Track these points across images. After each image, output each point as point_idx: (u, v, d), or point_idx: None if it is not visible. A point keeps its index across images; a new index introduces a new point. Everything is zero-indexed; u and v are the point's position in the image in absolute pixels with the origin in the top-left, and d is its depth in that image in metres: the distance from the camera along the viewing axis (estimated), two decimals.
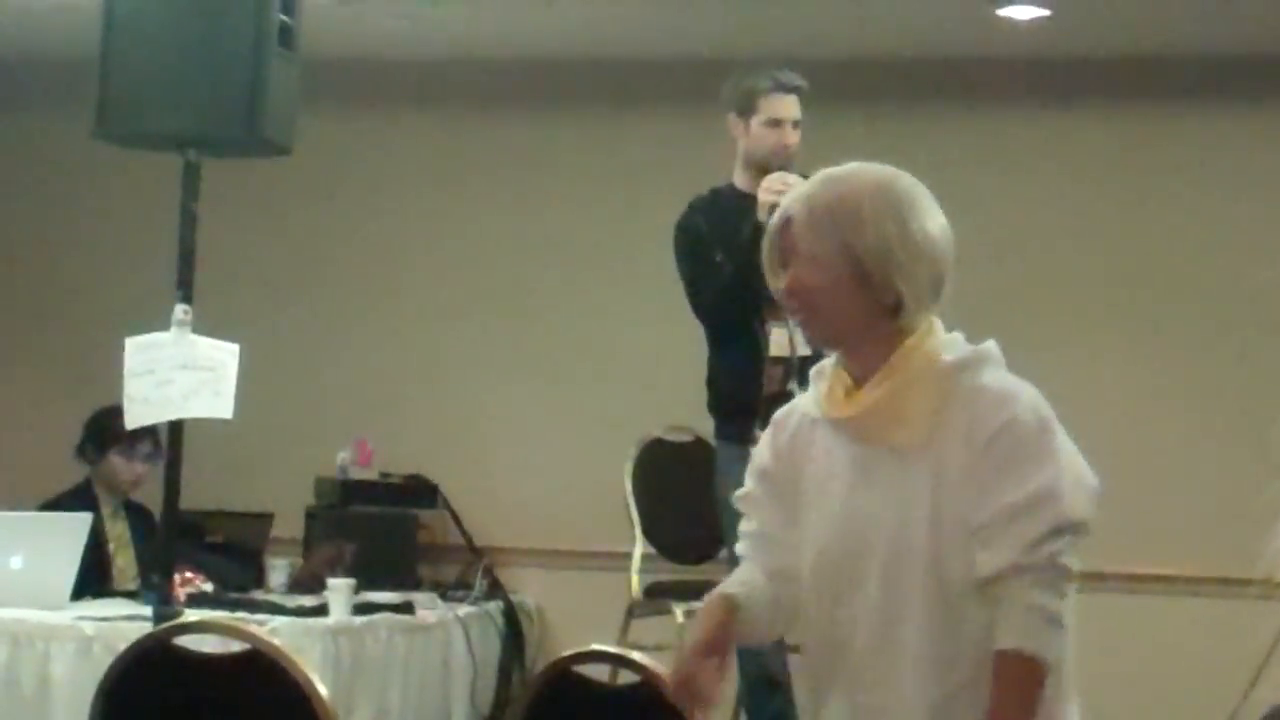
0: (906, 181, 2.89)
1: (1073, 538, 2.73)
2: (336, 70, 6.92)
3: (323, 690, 3.33)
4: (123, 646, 3.67)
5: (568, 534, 7.37)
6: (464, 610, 6.72)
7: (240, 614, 5.45)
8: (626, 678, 3.14)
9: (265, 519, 6.83)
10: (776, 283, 2.88)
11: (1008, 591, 2.69)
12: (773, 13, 6.65)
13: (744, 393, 5.25)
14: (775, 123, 5.49)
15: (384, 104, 7.80)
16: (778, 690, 5.27)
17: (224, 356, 4.92)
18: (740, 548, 3.00)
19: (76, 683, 4.92)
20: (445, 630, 6.54)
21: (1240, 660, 6.64)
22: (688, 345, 5.71)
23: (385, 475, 7.31)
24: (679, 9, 6.76)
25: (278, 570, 6.36)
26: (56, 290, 7.98)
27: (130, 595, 5.95)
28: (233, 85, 4.73)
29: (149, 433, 5.99)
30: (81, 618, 5.26)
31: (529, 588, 7.37)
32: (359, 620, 5.90)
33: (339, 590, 5.83)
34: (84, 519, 5.70)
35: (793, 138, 5.49)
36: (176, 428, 4.92)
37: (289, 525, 6.99)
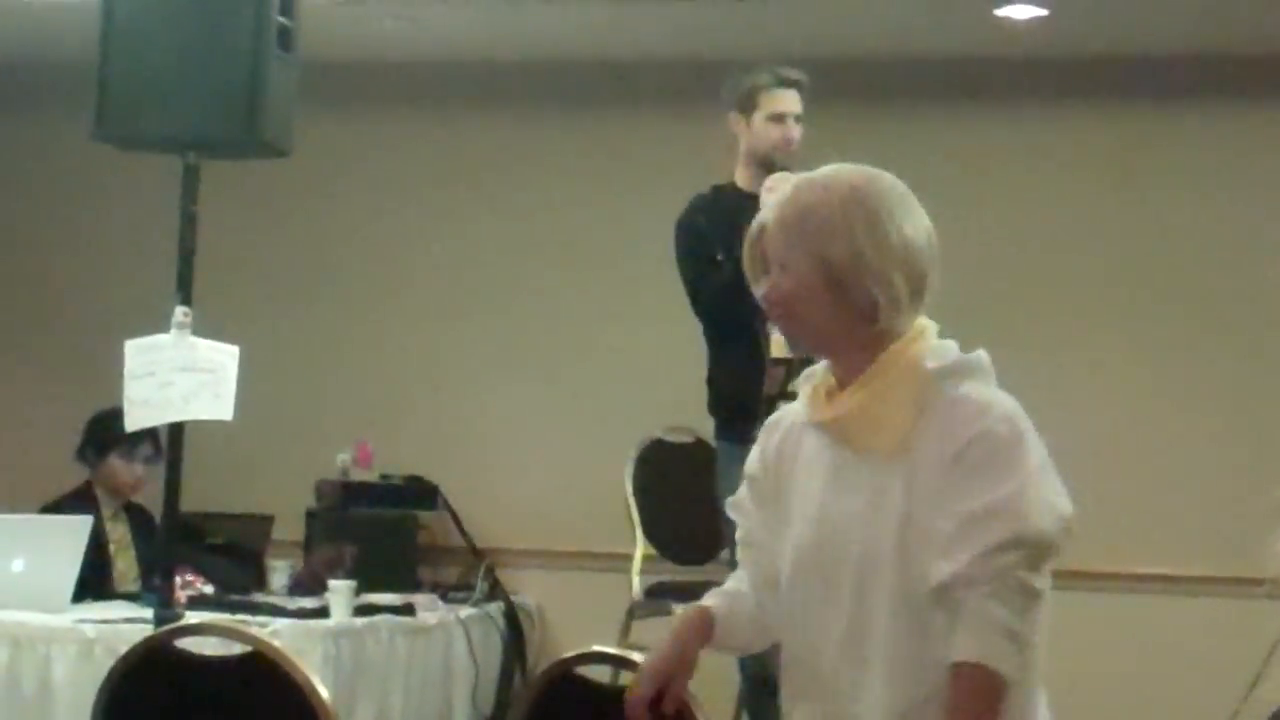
0: (884, 184, 2.87)
1: (1033, 554, 2.71)
2: (336, 72, 6.93)
3: (324, 692, 3.32)
4: (124, 649, 3.66)
5: (568, 535, 7.37)
6: (465, 612, 6.72)
7: (241, 616, 5.46)
8: (627, 679, 3.13)
9: (266, 521, 6.83)
10: (758, 290, 2.88)
11: (963, 603, 2.67)
12: (772, 13, 6.65)
13: (744, 393, 5.25)
14: (778, 117, 5.50)
15: (383, 105, 7.80)
16: (778, 691, 5.27)
17: (224, 358, 4.93)
18: (737, 554, 3.02)
19: (78, 685, 4.92)
20: (446, 632, 6.54)
21: (1241, 660, 6.63)
22: (688, 345, 5.71)
23: (386, 477, 7.31)
24: (679, 9, 6.76)
25: (278, 572, 6.36)
26: (56, 292, 7.98)
27: (131, 598, 5.96)
28: (232, 87, 4.73)
29: (149, 435, 6.00)
30: (82, 620, 5.26)
31: (530, 589, 7.37)
32: (360, 622, 5.90)
33: (340, 592, 5.83)
34: (84, 521, 5.70)
35: (795, 132, 5.50)
36: (177, 430, 4.92)
37: (289, 527, 6.99)
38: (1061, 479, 2.93)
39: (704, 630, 2.93)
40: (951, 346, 2.85)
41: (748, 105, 5.53)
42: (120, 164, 6.07)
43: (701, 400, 5.61)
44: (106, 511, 6.38)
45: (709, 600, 2.96)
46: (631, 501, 6.81)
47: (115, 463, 6.37)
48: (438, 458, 7.37)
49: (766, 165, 5.43)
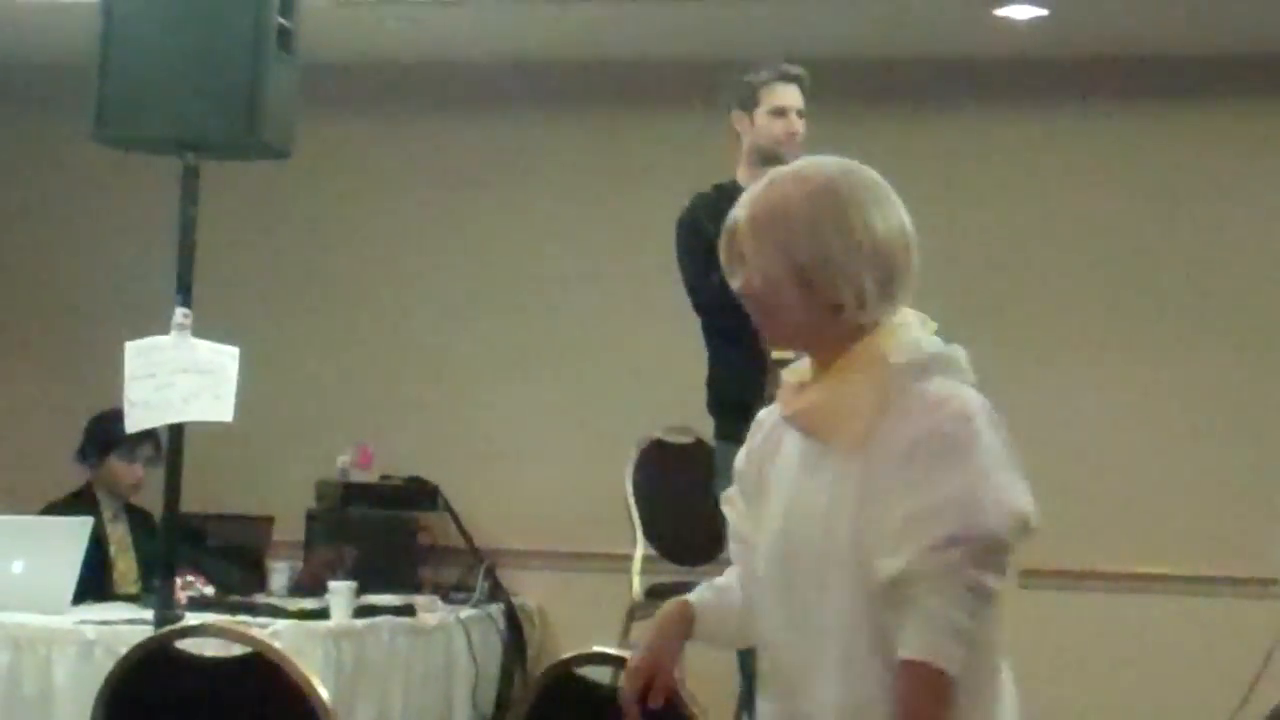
0: (856, 179, 2.85)
1: (981, 552, 2.66)
2: (336, 73, 6.93)
3: (324, 693, 3.33)
4: (124, 650, 3.67)
5: (569, 536, 7.37)
6: (465, 612, 6.72)
7: (241, 617, 5.46)
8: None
9: (266, 522, 6.83)
10: (733, 285, 2.89)
11: (910, 600, 2.66)
12: (771, 13, 6.65)
13: (744, 393, 5.24)
14: (780, 111, 5.50)
15: (383, 106, 7.80)
16: None
17: (224, 360, 4.93)
18: (729, 549, 3.03)
19: (78, 687, 4.92)
20: (446, 632, 6.54)
21: (1241, 659, 6.62)
22: (688, 345, 5.71)
23: (386, 478, 7.31)
24: (678, 10, 6.76)
25: (279, 573, 6.36)
26: (56, 293, 7.98)
27: (131, 599, 5.96)
28: (232, 88, 4.73)
29: (149, 436, 5.99)
30: (83, 622, 5.26)
31: (530, 589, 7.37)
32: (360, 623, 5.90)
33: (340, 593, 5.83)
34: (85, 523, 5.69)
35: (799, 126, 5.50)
36: (177, 431, 4.92)
37: (290, 528, 6.99)
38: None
39: (684, 624, 2.94)
40: (926, 341, 2.84)
41: (749, 102, 5.54)
42: (120, 165, 6.07)
43: (701, 400, 5.61)
44: (107, 513, 6.38)
45: (693, 594, 2.97)
46: (631, 502, 6.81)
47: (115, 464, 6.37)
48: (438, 458, 7.37)
49: (771, 161, 5.44)
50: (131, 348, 4.87)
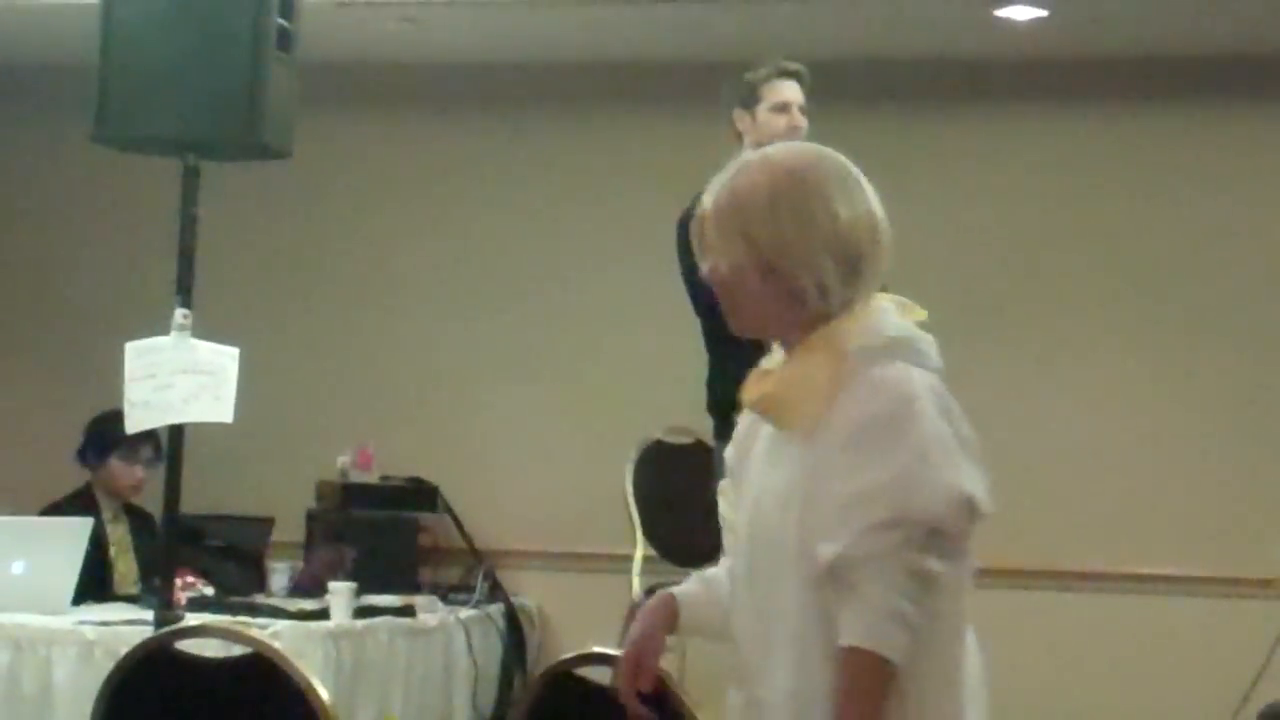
0: (822, 166, 2.83)
1: (918, 535, 2.63)
2: (336, 74, 6.92)
3: (324, 693, 3.33)
4: (124, 651, 3.66)
5: (568, 536, 7.37)
6: (465, 613, 6.72)
7: (241, 618, 5.46)
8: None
9: (266, 523, 6.83)
10: (701, 271, 2.89)
11: (849, 584, 2.64)
12: (772, 14, 6.65)
13: None
14: (782, 107, 5.51)
15: (383, 107, 7.80)
16: None
17: (224, 360, 4.93)
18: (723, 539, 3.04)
19: (78, 687, 4.92)
20: (446, 633, 6.54)
21: (1241, 660, 6.62)
22: (688, 347, 5.71)
23: (386, 478, 7.30)
24: (679, 10, 6.76)
25: (279, 574, 6.36)
26: (56, 294, 7.98)
27: (131, 599, 5.96)
28: (231, 89, 4.73)
29: (149, 437, 6.00)
30: (83, 622, 5.26)
31: (530, 590, 7.37)
32: (360, 623, 5.90)
33: (340, 594, 5.83)
34: (85, 524, 5.70)
35: (801, 120, 5.51)
36: (177, 432, 4.92)
37: (290, 529, 6.99)
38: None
39: (668, 615, 2.93)
40: (890, 325, 2.80)
41: (750, 100, 5.54)
42: (120, 165, 6.08)
43: (701, 400, 5.61)
44: (107, 513, 6.38)
45: (680, 585, 2.98)
46: (631, 503, 6.81)
47: (116, 465, 6.38)
48: (438, 459, 7.37)
49: None
50: (131, 348, 4.88)
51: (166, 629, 4.01)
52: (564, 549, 7.37)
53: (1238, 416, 7.04)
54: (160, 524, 5.14)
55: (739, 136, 5.57)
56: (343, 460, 7.23)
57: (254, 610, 5.72)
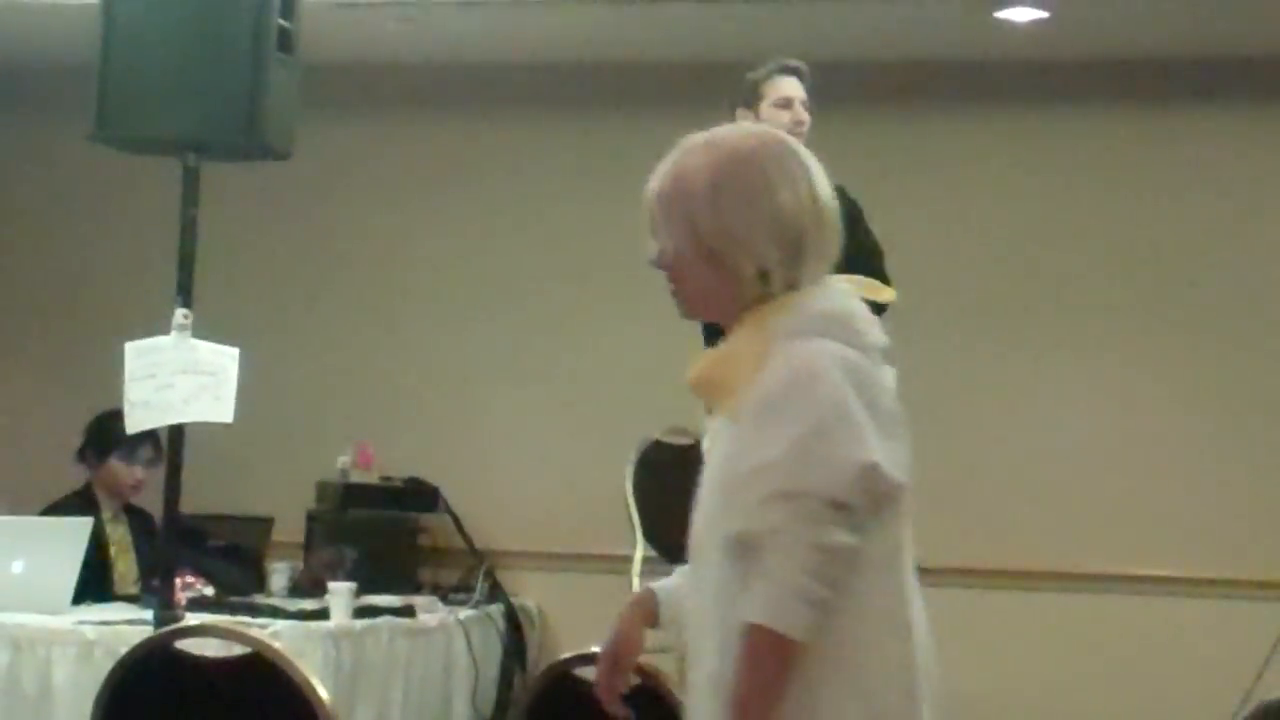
0: (766, 149, 2.82)
1: (814, 508, 2.57)
2: (336, 74, 6.93)
3: (324, 693, 3.33)
4: (124, 650, 3.67)
5: (568, 537, 7.37)
6: (465, 613, 6.72)
7: (241, 618, 5.45)
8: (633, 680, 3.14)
9: (266, 523, 6.83)
10: (649, 257, 2.90)
11: (753, 561, 2.60)
12: (772, 15, 6.65)
13: None
14: (785, 102, 5.51)
15: (383, 108, 7.80)
16: None
17: (224, 361, 4.93)
18: None
19: (78, 687, 4.92)
20: (446, 633, 6.54)
21: (1241, 661, 6.61)
22: (688, 347, 5.70)
23: (386, 479, 7.30)
24: (679, 11, 6.76)
25: (279, 574, 6.36)
26: (56, 294, 7.98)
27: (131, 599, 5.96)
28: (232, 89, 4.73)
29: (150, 437, 5.99)
30: (83, 622, 5.26)
31: (530, 590, 7.37)
32: (360, 624, 5.90)
33: (340, 594, 5.83)
34: (85, 523, 5.70)
35: (804, 115, 5.51)
36: (177, 432, 4.92)
37: (290, 529, 6.99)
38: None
39: (645, 612, 2.93)
40: (826, 305, 2.76)
41: (752, 98, 5.55)
42: (120, 166, 6.08)
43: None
44: (107, 513, 6.38)
45: (660, 581, 2.97)
46: (631, 503, 6.80)
47: (116, 465, 6.37)
48: (438, 460, 7.37)
49: None
50: (132, 348, 4.88)
51: (166, 629, 4.01)
52: (564, 549, 7.37)
53: (1238, 417, 7.04)
54: (160, 524, 5.14)
55: None
56: (343, 460, 7.22)
57: (254, 610, 5.72)
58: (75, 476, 6.49)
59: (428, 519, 7.30)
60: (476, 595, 6.94)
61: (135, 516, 6.49)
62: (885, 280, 5.63)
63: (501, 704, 6.75)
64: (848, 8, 6.62)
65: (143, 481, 6.37)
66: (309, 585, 6.29)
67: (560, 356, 7.55)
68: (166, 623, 4.52)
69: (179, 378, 4.84)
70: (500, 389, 7.58)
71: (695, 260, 2.79)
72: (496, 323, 7.62)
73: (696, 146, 2.85)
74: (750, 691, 2.59)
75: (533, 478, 7.49)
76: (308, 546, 6.99)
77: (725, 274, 2.77)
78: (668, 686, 3.09)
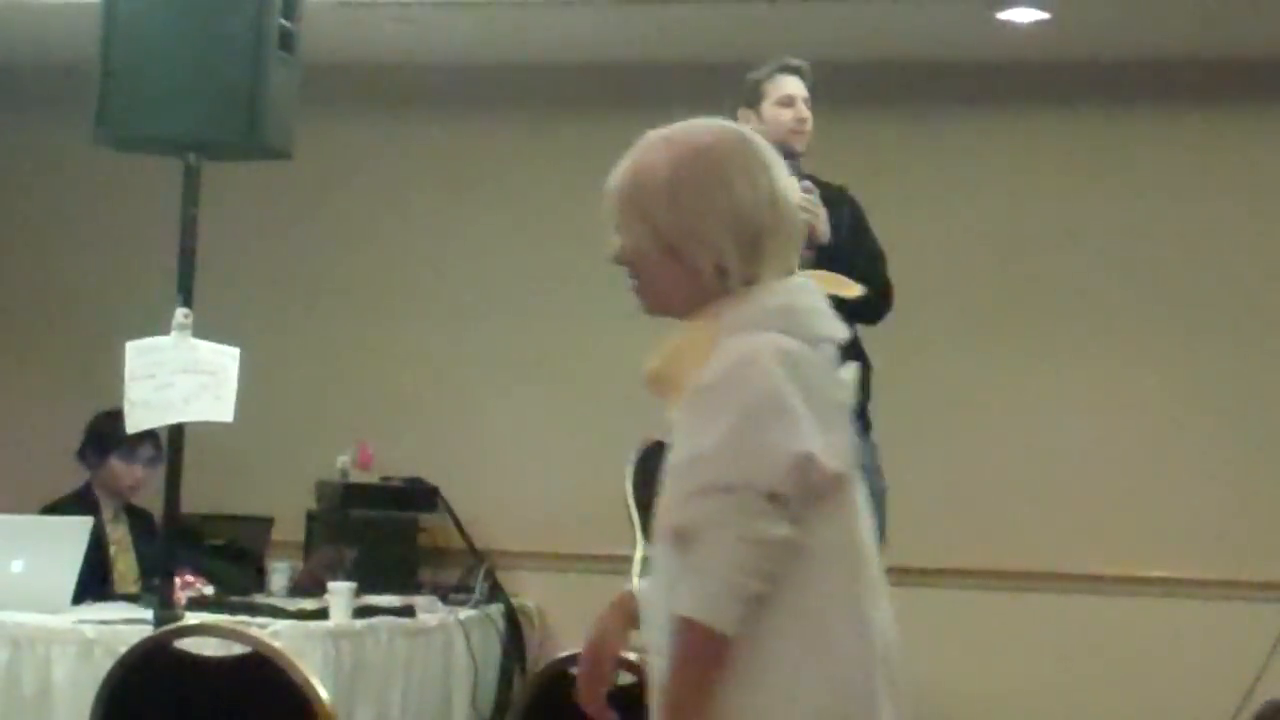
0: (724, 144, 2.80)
1: (743, 500, 2.54)
2: (337, 74, 6.93)
3: (323, 693, 3.33)
4: (124, 650, 3.68)
5: (568, 537, 7.37)
6: (465, 613, 6.72)
7: (241, 617, 5.45)
8: (626, 679, 3.14)
9: (266, 522, 6.83)
10: (609, 253, 2.89)
11: (686, 553, 2.58)
12: (773, 17, 6.65)
13: None
14: (787, 100, 5.52)
15: (384, 108, 7.80)
16: None
17: (225, 360, 4.93)
18: None
19: (77, 686, 4.92)
20: (446, 633, 6.54)
21: (1240, 662, 6.61)
22: None
23: (386, 479, 7.30)
24: (681, 13, 6.76)
25: (278, 573, 6.36)
26: (57, 293, 7.98)
27: (131, 599, 5.96)
28: (233, 89, 4.73)
29: (150, 436, 6.00)
30: (82, 621, 5.26)
31: (530, 590, 7.37)
32: (360, 623, 5.90)
33: (340, 593, 5.83)
34: (85, 523, 5.70)
35: (807, 113, 5.51)
36: (177, 431, 4.92)
37: (289, 529, 6.99)
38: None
39: (623, 615, 2.91)
40: (776, 298, 2.73)
41: (754, 98, 5.56)
42: (121, 165, 6.08)
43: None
44: (107, 513, 6.38)
45: (642, 580, 2.97)
46: (631, 503, 6.80)
47: (116, 464, 6.38)
48: (438, 459, 7.37)
49: (784, 154, 5.45)
50: (132, 348, 4.88)
51: (166, 628, 4.02)
52: (564, 549, 7.37)
53: (1238, 418, 7.04)
54: (160, 523, 5.14)
55: None
56: (343, 460, 7.22)
57: (253, 610, 5.72)
58: (75, 476, 6.49)
59: (428, 519, 7.30)
60: (476, 595, 6.94)
61: (135, 516, 6.49)
62: (886, 283, 5.62)
63: (501, 704, 6.75)
64: (848, 8, 6.62)
65: (143, 481, 6.37)
66: (309, 585, 6.29)
67: (560, 356, 7.55)
68: (166, 622, 4.53)
69: (179, 377, 4.84)
70: (500, 389, 7.58)
71: (654, 256, 2.78)
72: (496, 323, 7.62)
73: (656, 142, 2.84)
74: (681, 686, 2.58)
75: (533, 477, 7.49)
76: (308, 546, 6.99)
77: (683, 270, 2.76)
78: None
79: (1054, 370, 7.19)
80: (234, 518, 6.75)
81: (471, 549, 7.20)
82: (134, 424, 4.93)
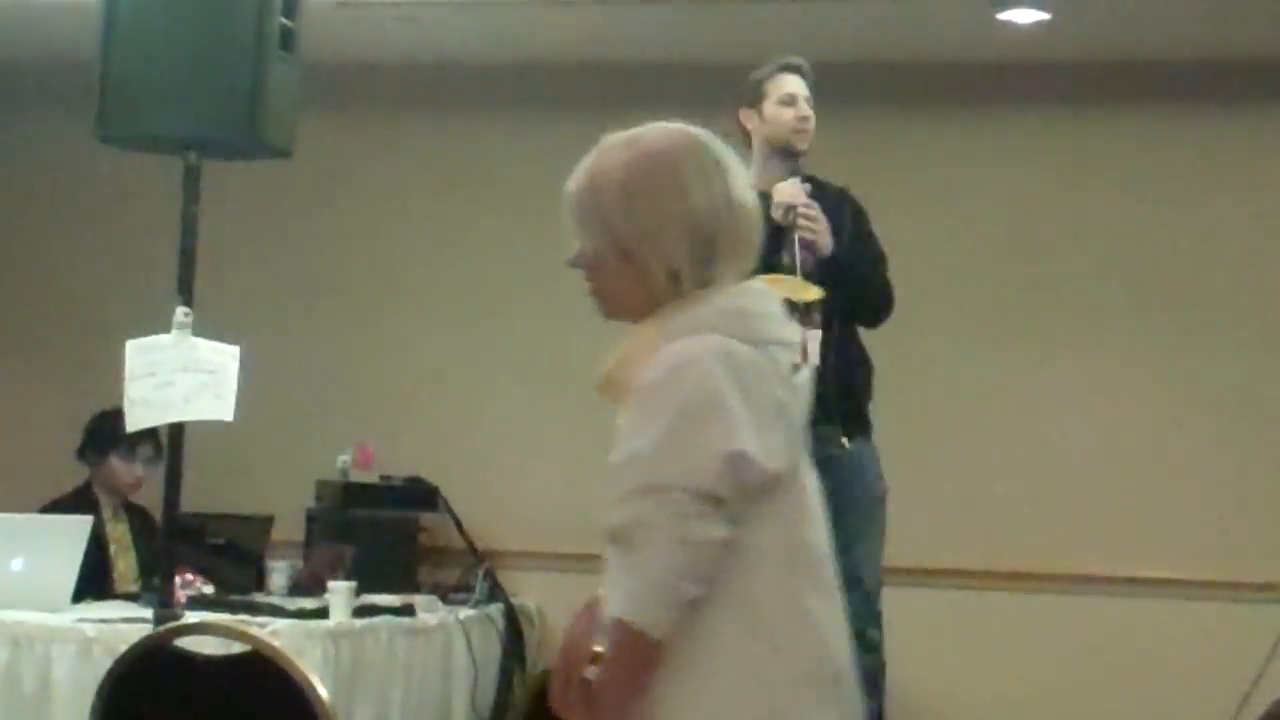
0: (681, 149, 2.80)
1: (676, 501, 2.53)
2: (337, 74, 6.93)
3: (323, 692, 3.33)
4: (123, 648, 3.67)
5: (568, 537, 7.34)
6: (464, 613, 6.72)
7: (241, 616, 5.45)
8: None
9: (266, 521, 6.83)
10: (566, 258, 2.86)
11: (621, 555, 2.59)
12: (773, 16, 6.65)
13: None
14: (788, 99, 5.51)
15: (384, 107, 7.80)
16: None
17: (224, 359, 4.93)
18: None
19: (77, 685, 4.91)
20: (446, 633, 6.54)
21: (1240, 663, 6.60)
22: None
23: (386, 478, 7.30)
24: (680, 12, 6.77)
25: (278, 573, 6.36)
26: (57, 292, 7.98)
27: (131, 597, 5.96)
28: (234, 88, 4.73)
29: (150, 435, 6.00)
30: (82, 620, 5.25)
31: (529, 590, 7.36)
32: (359, 623, 5.89)
33: (339, 593, 5.83)
34: (85, 521, 5.70)
35: (808, 111, 5.50)
36: (177, 430, 4.92)
37: (290, 528, 6.99)
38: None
39: (596, 616, 2.91)
40: (724, 300, 2.72)
41: (755, 98, 5.55)
42: (121, 164, 6.08)
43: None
44: (106, 511, 6.38)
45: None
46: None
47: (115, 463, 6.38)
48: (438, 459, 7.37)
49: (786, 153, 5.45)
50: (132, 346, 4.88)
51: (166, 627, 4.01)
52: (564, 549, 7.35)
53: (1238, 419, 7.04)
54: (160, 522, 5.14)
55: (748, 137, 5.57)
56: (343, 459, 7.22)
57: (253, 609, 5.72)
58: (75, 475, 6.49)
59: (428, 519, 7.29)
60: (476, 595, 6.93)
61: (135, 515, 6.50)
62: (887, 286, 5.61)
63: (501, 704, 6.75)
64: (848, 8, 6.62)
65: (142, 480, 6.38)
66: (309, 584, 6.29)
67: (560, 356, 7.55)
68: (166, 621, 4.52)
69: (179, 376, 4.84)
70: (500, 389, 7.58)
71: (610, 260, 2.78)
72: (497, 322, 7.62)
73: (613, 146, 2.85)
74: (608, 686, 2.57)
75: (533, 477, 7.49)
76: (307, 545, 6.99)
77: (638, 274, 2.76)
78: None
79: (1054, 370, 7.19)
80: (234, 517, 6.75)
81: (471, 549, 7.20)
82: (134, 423, 4.93)
